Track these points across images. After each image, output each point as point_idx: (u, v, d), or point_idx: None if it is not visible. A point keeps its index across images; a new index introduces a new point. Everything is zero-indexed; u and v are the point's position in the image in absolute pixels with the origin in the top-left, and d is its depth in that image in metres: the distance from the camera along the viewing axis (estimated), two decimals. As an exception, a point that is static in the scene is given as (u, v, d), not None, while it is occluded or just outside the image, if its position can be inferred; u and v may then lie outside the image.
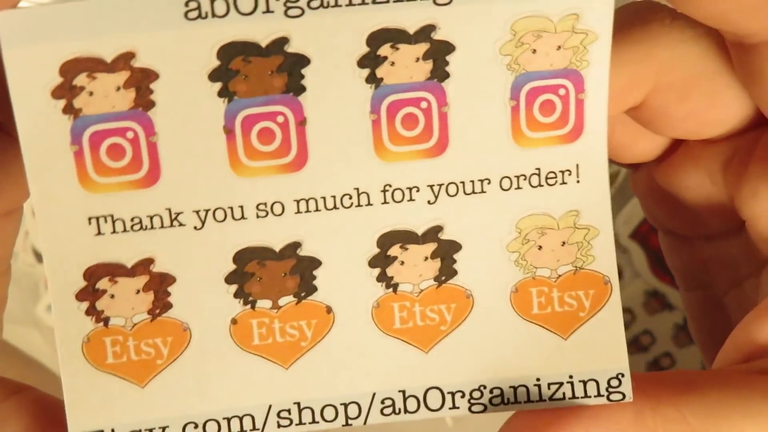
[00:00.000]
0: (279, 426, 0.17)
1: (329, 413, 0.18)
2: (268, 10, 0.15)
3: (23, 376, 0.49)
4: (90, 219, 0.16)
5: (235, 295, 0.17)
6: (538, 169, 0.17)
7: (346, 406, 0.17)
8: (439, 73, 0.16)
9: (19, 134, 0.15)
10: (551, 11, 0.16)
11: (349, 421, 0.17)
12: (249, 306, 0.17)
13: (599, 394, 0.17)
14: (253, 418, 0.17)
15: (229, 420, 0.17)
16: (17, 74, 0.15)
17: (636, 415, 0.16)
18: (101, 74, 0.15)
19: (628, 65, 0.18)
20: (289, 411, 0.17)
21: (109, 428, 0.17)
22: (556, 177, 0.17)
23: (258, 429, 0.17)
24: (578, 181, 0.17)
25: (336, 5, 0.16)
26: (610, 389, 0.17)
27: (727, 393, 0.17)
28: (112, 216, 0.16)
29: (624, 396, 0.17)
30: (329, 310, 0.17)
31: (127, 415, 0.17)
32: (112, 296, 0.17)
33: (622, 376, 0.17)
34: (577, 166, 0.17)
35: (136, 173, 0.16)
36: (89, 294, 0.17)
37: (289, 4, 0.16)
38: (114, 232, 0.16)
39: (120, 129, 0.16)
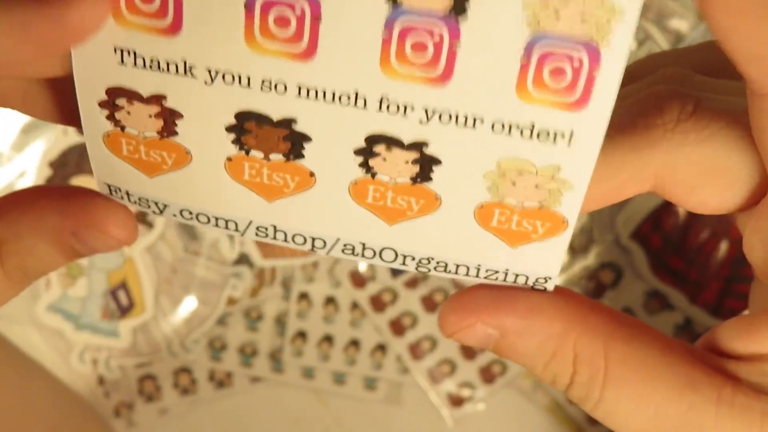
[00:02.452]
0: (257, 235, 0.20)
1: (299, 240, 0.20)
2: None
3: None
4: (116, 48, 0.18)
5: (233, 142, 0.19)
6: (533, 124, 0.17)
7: (314, 239, 0.20)
8: (458, 8, 0.16)
9: None
10: None
11: (315, 249, 0.20)
12: (243, 152, 0.19)
13: (526, 284, 0.20)
14: (236, 223, 0.20)
15: (217, 219, 0.20)
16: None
17: (563, 330, 0.19)
18: None
19: (627, 165, 0.19)
20: (266, 229, 0.20)
21: (124, 189, 0.20)
22: (549, 137, 0.18)
23: (239, 232, 0.20)
24: (569, 146, 0.18)
25: None
26: (536, 284, 0.20)
27: (656, 355, 0.19)
28: (135, 51, 0.18)
29: (545, 290, 0.20)
30: (312, 174, 0.19)
31: (137, 189, 0.20)
32: (128, 113, 0.19)
33: (550, 278, 0.20)
34: (572, 132, 0.17)
35: (161, 20, 0.17)
36: (110, 105, 0.19)
37: None
38: (134, 65, 0.18)
39: None
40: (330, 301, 0.46)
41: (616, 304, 0.45)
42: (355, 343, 0.46)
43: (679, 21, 0.42)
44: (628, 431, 0.20)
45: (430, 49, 0.17)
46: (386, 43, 0.17)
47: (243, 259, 0.45)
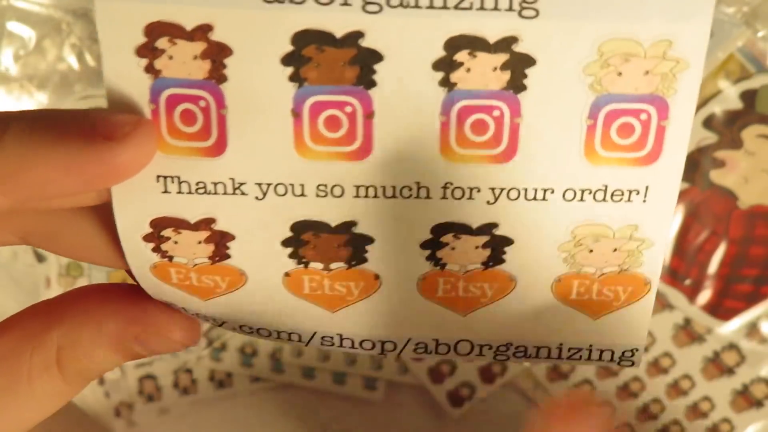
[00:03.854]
0: (322, 344, 0.19)
1: (367, 345, 0.19)
2: (346, 3, 0.16)
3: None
4: (158, 177, 0.17)
5: (290, 256, 0.18)
6: (606, 185, 0.17)
7: (383, 342, 0.19)
8: (516, 84, 0.16)
9: (105, 86, 0.16)
10: (643, 35, 0.16)
11: (385, 352, 0.19)
12: (302, 265, 0.18)
13: (612, 360, 0.19)
14: (299, 335, 0.19)
15: (279, 333, 0.19)
16: (107, 27, 0.16)
17: None
18: (181, 41, 0.16)
19: None
20: (332, 338, 0.19)
21: (179, 307, 0.19)
22: (622, 195, 0.17)
23: (303, 343, 0.19)
24: (644, 201, 0.17)
25: (416, 6, 0.16)
26: (623, 359, 0.19)
27: None
28: (179, 177, 0.17)
29: (633, 363, 0.19)
30: (377, 276, 0.18)
31: (192, 308, 0.19)
32: (176, 242, 0.18)
33: (637, 350, 0.19)
34: (647, 188, 0.17)
35: (205, 141, 0.17)
36: (155, 238, 0.18)
37: (368, 0, 0.16)
38: (179, 192, 0.17)
39: (194, 96, 0.16)
40: (330, 301, 0.46)
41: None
42: (355, 343, 0.46)
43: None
44: None
45: (491, 126, 0.17)
46: (445, 125, 0.17)
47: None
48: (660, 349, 0.45)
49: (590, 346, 0.19)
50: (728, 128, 0.42)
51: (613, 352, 0.19)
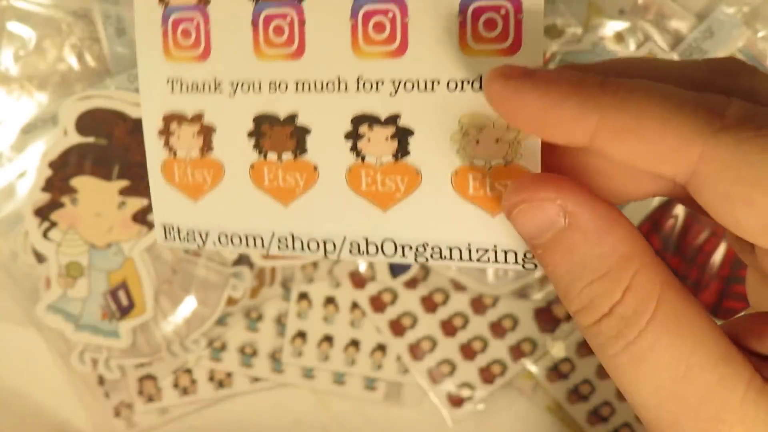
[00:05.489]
0: (279, 248, 0.23)
1: (313, 245, 0.23)
2: None
3: (23, 376, 0.49)
4: (168, 80, 0.23)
5: (254, 147, 0.23)
6: (480, 75, 0.20)
7: (325, 242, 0.23)
8: None
9: (135, 22, 0.23)
10: None
11: (327, 254, 0.23)
12: (262, 156, 0.23)
13: (516, 262, 0.21)
14: (262, 239, 0.23)
15: (247, 237, 0.23)
16: None
17: (629, 254, 0.18)
18: None
19: (669, 139, 0.17)
20: (286, 239, 0.23)
21: (176, 225, 0.24)
22: None
23: (264, 248, 0.23)
24: None
25: None
26: (526, 260, 0.21)
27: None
28: (180, 79, 0.23)
29: (535, 266, 0.21)
30: (315, 168, 0.22)
31: (186, 221, 0.24)
32: (178, 137, 0.23)
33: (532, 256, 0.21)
34: None
35: (196, 49, 0.23)
36: (165, 133, 0.23)
37: None
38: (180, 91, 0.23)
39: (188, 18, 0.22)
40: (330, 301, 0.46)
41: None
42: (355, 344, 0.46)
43: (679, 21, 0.42)
44: (647, 386, 0.18)
45: (387, 25, 0.21)
46: (354, 27, 0.21)
47: (243, 260, 0.45)
48: (660, 350, 0.45)
49: (495, 246, 0.21)
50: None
51: (516, 253, 0.21)
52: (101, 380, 0.47)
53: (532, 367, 0.46)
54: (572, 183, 0.18)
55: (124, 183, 0.44)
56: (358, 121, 0.21)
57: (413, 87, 0.21)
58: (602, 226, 0.18)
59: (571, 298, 0.19)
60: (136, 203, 0.44)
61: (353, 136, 0.21)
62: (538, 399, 0.46)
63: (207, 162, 0.23)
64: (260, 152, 0.22)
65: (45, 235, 0.44)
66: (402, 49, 0.20)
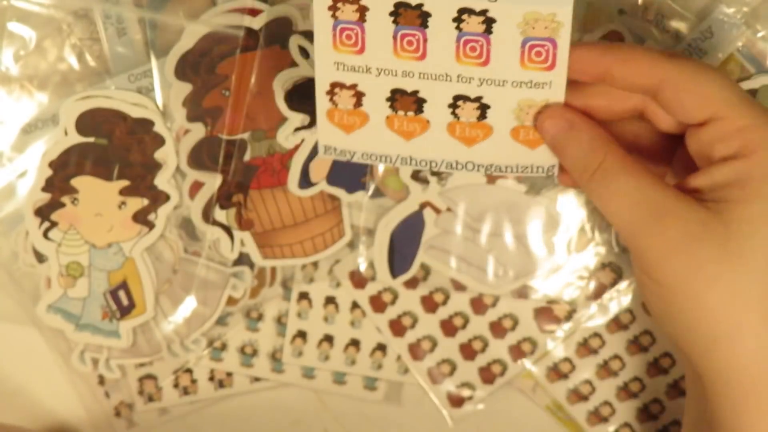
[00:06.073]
0: (401, 163, 0.36)
1: (423, 164, 0.36)
2: None
3: (23, 376, 0.49)
4: (335, 62, 0.34)
5: (389, 107, 0.35)
6: (531, 80, 0.33)
7: (431, 161, 0.36)
8: (487, 28, 0.32)
9: (314, 26, 0.33)
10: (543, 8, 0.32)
11: (432, 169, 0.36)
12: (393, 111, 0.35)
13: (544, 172, 0.35)
14: (391, 158, 0.36)
15: (380, 156, 0.36)
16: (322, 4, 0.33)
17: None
18: (346, 4, 0.33)
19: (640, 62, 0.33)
20: (407, 159, 0.36)
21: (333, 146, 0.36)
22: (540, 85, 0.33)
23: (393, 162, 0.36)
24: (550, 87, 0.33)
25: None
26: (548, 171, 0.35)
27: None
28: (344, 63, 0.34)
29: (554, 174, 0.35)
30: (428, 121, 0.35)
31: (341, 144, 0.36)
32: (339, 96, 0.35)
33: (554, 166, 0.35)
34: (551, 82, 0.33)
35: (355, 47, 0.33)
36: (331, 93, 0.35)
37: None
38: (344, 70, 0.34)
39: (350, 28, 0.33)
40: (330, 301, 0.46)
41: (616, 304, 0.45)
42: (355, 343, 0.46)
43: (678, 21, 0.42)
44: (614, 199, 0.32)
45: (477, 48, 0.33)
46: (457, 48, 0.33)
47: (243, 259, 0.45)
48: (660, 349, 0.45)
49: (532, 164, 0.36)
50: (728, 128, 0.42)
51: (544, 168, 0.35)
52: (101, 380, 0.47)
53: (532, 367, 0.46)
54: (573, 109, 0.34)
55: (124, 183, 0.44)
56: (456, 98, 0.34)
57: (491, 83, 0.34)
58: (587, 127, 0.33)
59: (578, 167, 0.33)
60: (136, 203, 0.44)
61: (453, 106, 0.34)
62: (538, 399, 0.46)
63: (357, 112, 0.35)
64: (394, 110, 0.35)
65: (45, 235, 0.44)
66: (486, 62, 0.33)
